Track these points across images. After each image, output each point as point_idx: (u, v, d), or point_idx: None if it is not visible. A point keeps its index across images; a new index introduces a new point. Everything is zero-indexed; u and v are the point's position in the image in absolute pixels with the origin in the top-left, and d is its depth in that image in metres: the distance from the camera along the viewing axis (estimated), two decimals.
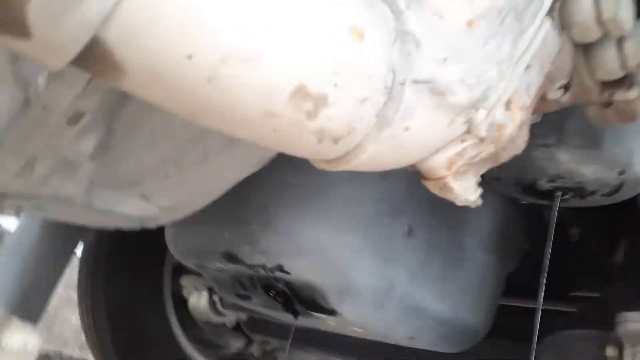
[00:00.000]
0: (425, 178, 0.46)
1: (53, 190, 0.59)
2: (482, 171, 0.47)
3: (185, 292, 1.49)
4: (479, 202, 0.49)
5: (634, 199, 0.91)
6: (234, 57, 0.29)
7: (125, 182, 0.64)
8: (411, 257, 0.85)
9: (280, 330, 1.61)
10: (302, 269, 0.79)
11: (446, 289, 0.90)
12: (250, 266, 0.84)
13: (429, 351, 1.21)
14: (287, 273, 0.81)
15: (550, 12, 0.48)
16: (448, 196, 0.47)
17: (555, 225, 1.19)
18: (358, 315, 0.84)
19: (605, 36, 0.48)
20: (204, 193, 0.69)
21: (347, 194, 0.80)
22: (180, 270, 1.95)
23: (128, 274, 1.82)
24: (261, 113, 0.33)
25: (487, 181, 0.81)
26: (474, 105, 0.40)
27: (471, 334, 0.98)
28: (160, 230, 1.72)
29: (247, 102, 0.32)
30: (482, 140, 0.43)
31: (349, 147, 0.38)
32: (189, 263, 0.98)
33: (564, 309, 1.27)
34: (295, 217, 0.77)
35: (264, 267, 0.82)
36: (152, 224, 0.77)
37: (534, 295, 1.29)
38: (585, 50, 0.51)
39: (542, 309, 1.38)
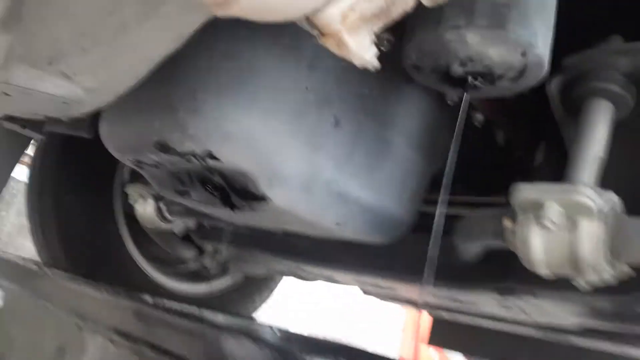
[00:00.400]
0: (322, 35, 0.49)
1: None
2: (375, 28, 0.51)
3: (131, 201, 1.51)
4: (375, 63, 0.53)
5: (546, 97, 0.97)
6: None
7: (43, 58, 0.64)
8: (337, 146, 0.90)
9: (227, 236, 1.67)
10: (231, 155, 0.83)
11: (371, 179, 0.96)
12: (181, 154, 0.86)
13: (365, 248, 1.29)
14: (217, 160, 0.84)
15: None
16: (344, 53, 0.50)
17: (482, 130, 1.26)
18: (287, 200, 0.89)
19: None
20: (127, 72, 0.70)
21: (276, 81, 0.82)
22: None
23: (77, 190, 1.82)
24: None
25: (409, 72, 0.86)
26: None
27: (395, 223, 1.05)
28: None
29: None
30: None
31: None
32: (126, 160, 1.00)
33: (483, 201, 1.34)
34: (223, 102, 0.79)
35: (194, 154, 0.84)
36: (79, 110, 0.78)
37: (461, 193, 1.38)
38: None
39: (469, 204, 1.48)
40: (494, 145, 1.30)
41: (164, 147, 0.87)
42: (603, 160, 0.79)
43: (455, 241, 0.95)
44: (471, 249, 0.90)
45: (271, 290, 2.67)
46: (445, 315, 1.88)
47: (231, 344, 0.81)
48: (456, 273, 1.05)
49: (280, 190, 0.87)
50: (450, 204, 1.44)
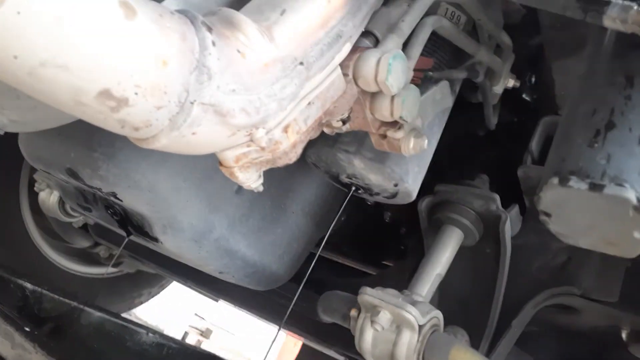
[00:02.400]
0: (220, 164, 0.60)
1: None
2: (263, 169, 0.62)
3: (37, 188, 1.53)
4: (260, 188, 0.64)
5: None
6: (49, 64, 0.40)
7: None
8: (234, 210, 1.01)
9: (121, 240, 1.72)
10: (132, 200, 0.92)
11: (259, 240, 1.08)
12: (89, 186, 0.94)
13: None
14: (120, 200, 0.92)
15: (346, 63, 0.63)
16: (236, 181, 0.61)
17: (374, 208, 1.41)
18: (177, 246, 0.99)
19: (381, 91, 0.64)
20: (53, 118, 0.78)
21: None
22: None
23: None
24: (74, 102, 0.44)
25: (310, 165, 0.98)
26: (254, 126, 0.54)
27: (273, 278, 1.17)
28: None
29: (61, 94, 0.43)
30: (262, 149, 0.58)
31: (147, 135, 0.50)
32: (36, 167, 1.06)
33: (367, 270, 1.50)
34: (136, 156, 0.88)
35: (100, 190, 0.92)
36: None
37: (344, 254, 1.54)
38: (371, 95, 0.67)
39: (353, 268, 1.63)
40: (382, 221, 1.47)
41: (74, 175, 0.94)
42: (441, 277, 0.95)
43: (316, 307, 1.08)
44: (325, 318, 1.04)
45: (162, 287, 2.71)
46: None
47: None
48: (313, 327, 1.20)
49: (172, 237, 0.97)
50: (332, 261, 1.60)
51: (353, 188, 0.92)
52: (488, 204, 0.96)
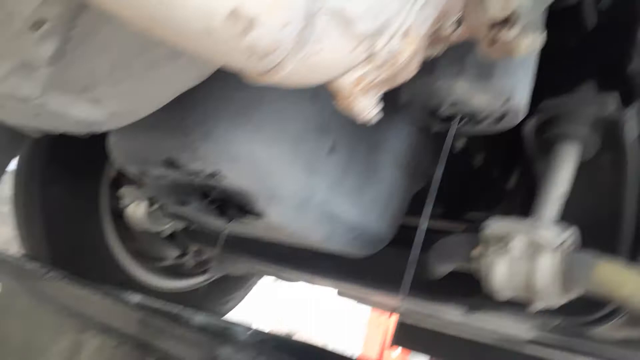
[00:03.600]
0: (335, 97, 0.57)
1: (10, 89, 0.66)
2: (381, 92, 0.59)
3: (124, 202, 1.56)
4: (378, 116, 0.61)
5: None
6: None
7: (78, 86, 0.71)
8: (331, 171, 0.98)
9: (213, 238, 1.74)
10: (236, 176, 0.90)
11: (359, 199, 1.05)
12: (189, 172, 0.93)
13: (344, 258, 1.38)
14: (223, 179, 0.91)
15: None
16: (353, 112, 0.58)
17: (462, 153, 1.36)
18: (281, 218, 0.97)
19: None
20: (150, 100, 0.77)
21: (280, 111, 0.90)
22: (117, 183, 2.01)
23: (64, 185, 1.85)
24: (201, 29, 0.42)
25: (401, 107, 0.94)
26: (375, 35, 0.51)
27: (377, 239, 1.14)
28: (98, 143, 1.78)
29: (190, 19, 0.41)
30: (380, 65, 0.54)
31: (273, 63, 0.48)
32: (130, 170, 1.06)
33: (454, 228, 1.44)
34: (233, 128, 0.86)
35: (201, 173, 0.92)
36: (98, 129, 0.85)
37: (436, 215, 1.48)
38: None
39: (440, 228, 1.58)
40: (471, 167, 1.41)
41: (172, 164, 0.94)
42: (566, 196, 0.89)
43: (428, 260, 1.04)
44: (442, 268, 1.00)
45: (249, 289, 2.74)
46: (413, 319, 2.00)
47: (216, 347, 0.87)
48: (427, 287, 1.15)
49: (276, 208, 0.95)
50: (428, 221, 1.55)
51: (456, 119, 0.87)
52: (603, 107, 0.89)
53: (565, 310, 0.92)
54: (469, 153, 1.37)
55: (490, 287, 0.87)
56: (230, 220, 1.10)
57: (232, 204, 1.02)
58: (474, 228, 1.10)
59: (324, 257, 1.45)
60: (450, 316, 1.50)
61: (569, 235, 0.82)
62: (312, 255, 1.47)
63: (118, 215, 2.03)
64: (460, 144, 1.29)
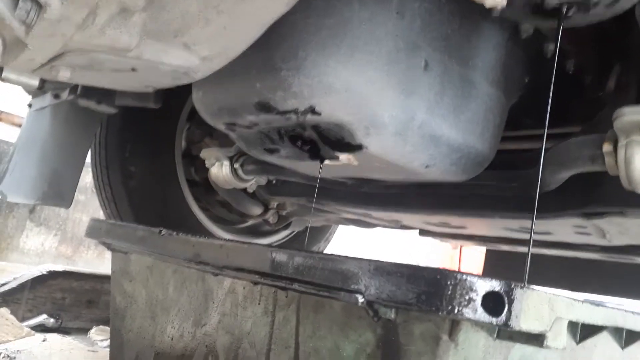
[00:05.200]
0: None
1: (110, 41, 0.64)
2: None
3: (207, 164, 1.57)
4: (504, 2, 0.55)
5: (631, 19, 0.97)
6: None
7: (170, 31, 0.69)
8: (428, 90, 0.93)
9: (295, 191, 1.74)
10: (332, 108, 0.87)
11: (458, 119, 0.99)
12: (282, 112, 0.91)
13: (435, 189, 1.34)
14: (319, 114, 0.88)
15: None
16: None
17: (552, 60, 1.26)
18: (382, 146, 0.93)
19: None
20: (240, 38, 0.74)
21: (368, 33, 0.85)
22: (189, 155, 2.04)
23: (142, 161, 1.90)
24: None
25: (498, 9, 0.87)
26: None
27: (479, 159, 1.08)
28: (165, 117, 1.78)
29: None
30: None
31: None
32: (219, 123, 1.05)
33: (563, 131, 1.34)
34: (323, 59, 0.82)
35: (296, 111, 0.89)
36: (192, 77, 0.83)
37: (532, 126, 1.40)
38: None
39: (538, 135, 1.48)
40: (563, 75, 1.31)
41: (265, 107, 0.91)
42: None
43: (547, 170, 0.97)
44: (560, 176, 0.94)
45: (328, 241, 2.76)
46: (505, 247, 1.95)
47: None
48: (546, 204, 1.09)
49: (376, 137, 0.92)
50: (524, 138, 1.47)
51: (564, 8, 0.79)
52: None
53: None
54: (559, 58, 1.27)
55: (630, 182, 0.80)
56: (323, 160, 1.07)
57: (328, 142, 0.99)
58: (590, 130, 1.02)
59: (414, 193, 1.41)
60: (558, 235, 1.44)
61: None
62: (402, 194, 1.43)
63: (195, 184, 2.08)
64: (550, 49, 1.19)
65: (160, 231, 1.01)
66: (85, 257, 3.59)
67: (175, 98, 1.73)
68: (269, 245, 2.27)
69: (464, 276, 0.57)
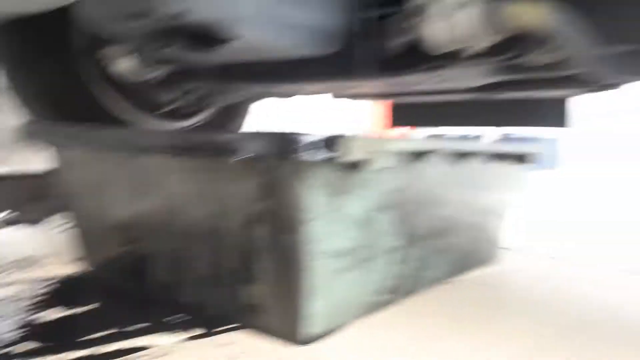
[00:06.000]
0: None
1: None
2: None
3: (110, 60, 1.71)
4: None
5: None
6: None
7: None
8: None
9: (205, 75, 1.91)
10: (200, 10, 1.06)
11: (308, 3, 1.21)
12: (157, 19, 1.08)
13: (324, 61, 1.56)
14: (189, 16, 1.07)
15: None
16: None
17: None
18: (249, 36, 1.15)
19: None
20: None
21: None
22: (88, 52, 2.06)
23: (51, 69, 1.93)
24: None
25: None
26: None
27: (339, 34, 1.31)
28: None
29: None
30: None
31: None
32: (105, 31, 1.21)
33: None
34: None
35: (169, 16, 1.07)
36: None
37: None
38: None
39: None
40: None
41: (141, 15, 1.08)
42: None
43: (387, 40, 1.22)
44: (394, 44, 1.19)
45: (245, 115, 2.97)
46: (401, 100, 2.28)
47: None
48: (394, 65, 1.36)
49: (243, 30, 1.12)
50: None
51: None
52: None
53: (499, 49, 1.15)
54: None
55: (433, 44, 1.06)
56: (209, 49, 1.27)
57: (205, 38, 1.19)
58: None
59: (307, 66, 1.64)
60: (425, 84, 1.74)
61: None
62: (299, 68, 1.65)
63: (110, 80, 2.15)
64: None
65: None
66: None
67: None
68: (189, 126, 2.47)
69: (299, 135, 0.84)
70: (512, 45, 1.17)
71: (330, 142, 0.85)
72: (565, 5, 1.04)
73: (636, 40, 0.98)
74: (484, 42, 1.05)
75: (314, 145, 0.83)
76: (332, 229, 0.94)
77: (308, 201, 0.88)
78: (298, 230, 0.89)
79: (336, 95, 2.18)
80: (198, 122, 2.59)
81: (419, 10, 1.01)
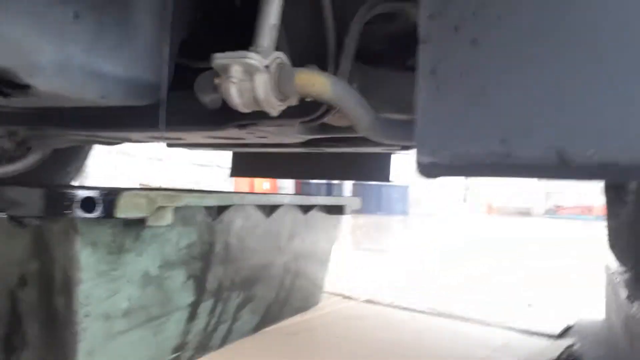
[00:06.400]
0: None
1: None
2: None
3: None
4: None
5: None
6: None
7: None
8: (82, 36, 1.11)
9: (21, 118, 1.79)
10: None
11: (121, 55, 1.20)
12: None
13: (144, 110, 1.55)
14: None
15: None
16: None
17: None
18: (48, 86, 1.10)
19: None
20: None
21: None
22: None
23: None
24: None
25: None
26: None
27: (152, 87, 1.32)
28: None
29: None
30: None
31: None
32: None
33: None
34: None
35: None
36: None
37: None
38: None
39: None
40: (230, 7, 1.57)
41: None
42: (277, 26, 1.12)
43: (201, 94, 1.25)
44: (206, 99, 1.22)
45: (85, 159, 2.82)
46: (238, 150, 2.32)
47: None
48: (209, 119, 1.39)
49: (39, 79, 1.08)
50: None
51: None
52: None
53: (298, 112, 1.23)
54: None
55: (233, 105, 1.11)
56: (6, 96, 1.20)
57: (1, 82, 1.12)
58: None
59: (127, 115, 1.61)
60: (247, 139, 1.79)
61: (275, 56, 1.07)
62: (119, 116, 1.62)
63: None
64: None
65: None
66: None
67: None
68: (23, 170, 2.28)
69: (72, 190, 0.82)
70: (313, 108, 1.27)
71: (105, 198, 0.84)
72: (346, 77, 1.16)
73: (403, 111, 1.13)
74: (281, 106, 1.12)
75: (89, 201, 0.82)
76: (109, 289, 0.92)
77: (81, 261, 0.86)
78: (71, 291, 0.86)
79: (169, 145, 2.16)
80: (25, 167, 2.41)
81: (223, 70, 1.06)
